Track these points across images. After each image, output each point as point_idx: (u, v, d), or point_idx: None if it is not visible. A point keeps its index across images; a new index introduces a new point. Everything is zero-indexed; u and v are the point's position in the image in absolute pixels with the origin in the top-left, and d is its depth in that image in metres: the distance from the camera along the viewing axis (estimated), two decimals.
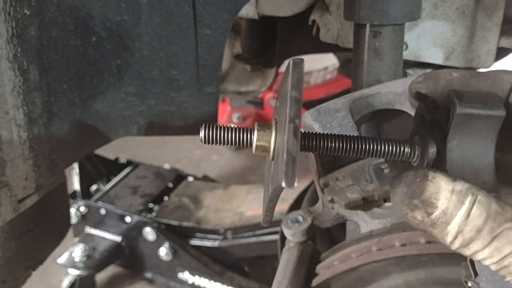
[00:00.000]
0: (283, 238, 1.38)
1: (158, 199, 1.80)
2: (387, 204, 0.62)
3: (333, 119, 0.59)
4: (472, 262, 0.46)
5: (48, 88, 0.84)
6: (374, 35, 0.81)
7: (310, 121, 0.60)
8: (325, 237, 0.87)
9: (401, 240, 0.55)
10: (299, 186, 1.80)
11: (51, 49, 0.83)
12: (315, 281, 0.61)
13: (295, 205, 1.40)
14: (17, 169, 0.81)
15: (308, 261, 0.64)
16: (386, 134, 0.66)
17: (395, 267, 0.55)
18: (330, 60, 2.82)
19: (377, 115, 0.66)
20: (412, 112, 0.52)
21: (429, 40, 0.98)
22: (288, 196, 1.79)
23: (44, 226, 1.01)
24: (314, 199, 1.18)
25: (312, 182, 1.43)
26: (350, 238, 0.62)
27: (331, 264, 0.61)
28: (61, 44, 0.84)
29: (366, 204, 0.61)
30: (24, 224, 0.95)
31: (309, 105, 2.56)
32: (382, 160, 0.67)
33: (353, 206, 0.61)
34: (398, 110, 0.66)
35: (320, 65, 3.04)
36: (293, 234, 0.66)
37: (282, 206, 1.73)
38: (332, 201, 0.63)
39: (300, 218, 0.68)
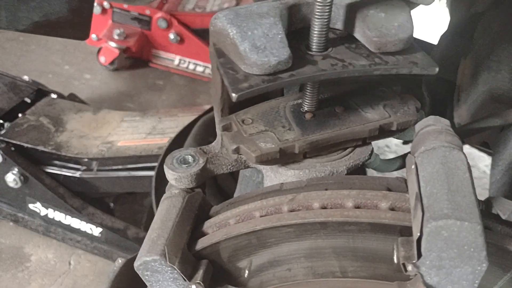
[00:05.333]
0: (159, 179, 1.20)
1: (10, 115, 1.51)
2: (309, 160, 0.48)
3: (256, 26, 0.42)
4: (419, 240, 0.35)
5: None
6: None
7: (224, 25, 0.42)
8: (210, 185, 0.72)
9: (322, 200, 0.42)
10: (182, 119, 1.62)
11: None
12: (202, 243, 0.46)
13: (177, 141, 1.22)
14: None
15: (195, 216, 0.48)
16: None
17: (309, 234, 0.42)
18: None
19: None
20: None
21: None
22: (169, 130, 1.62)
23: None
24: (203, 138, 1.01)
25: (200, 116, 1.27)
26: (252, 191, 0.48)
27: (225, 222, 0.46)
28: None
29: (283, 157, 0.47)
30: None
31: (202, 34, 2.29)
32: (300, 100, 0.53)
33: (266, 159, 0.47)
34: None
35: None
36: (178, 178, 0.50)
37: (161, 140, 1.55)
38: (237, 151, 0.48)
39: (190, 159, 0.52)
